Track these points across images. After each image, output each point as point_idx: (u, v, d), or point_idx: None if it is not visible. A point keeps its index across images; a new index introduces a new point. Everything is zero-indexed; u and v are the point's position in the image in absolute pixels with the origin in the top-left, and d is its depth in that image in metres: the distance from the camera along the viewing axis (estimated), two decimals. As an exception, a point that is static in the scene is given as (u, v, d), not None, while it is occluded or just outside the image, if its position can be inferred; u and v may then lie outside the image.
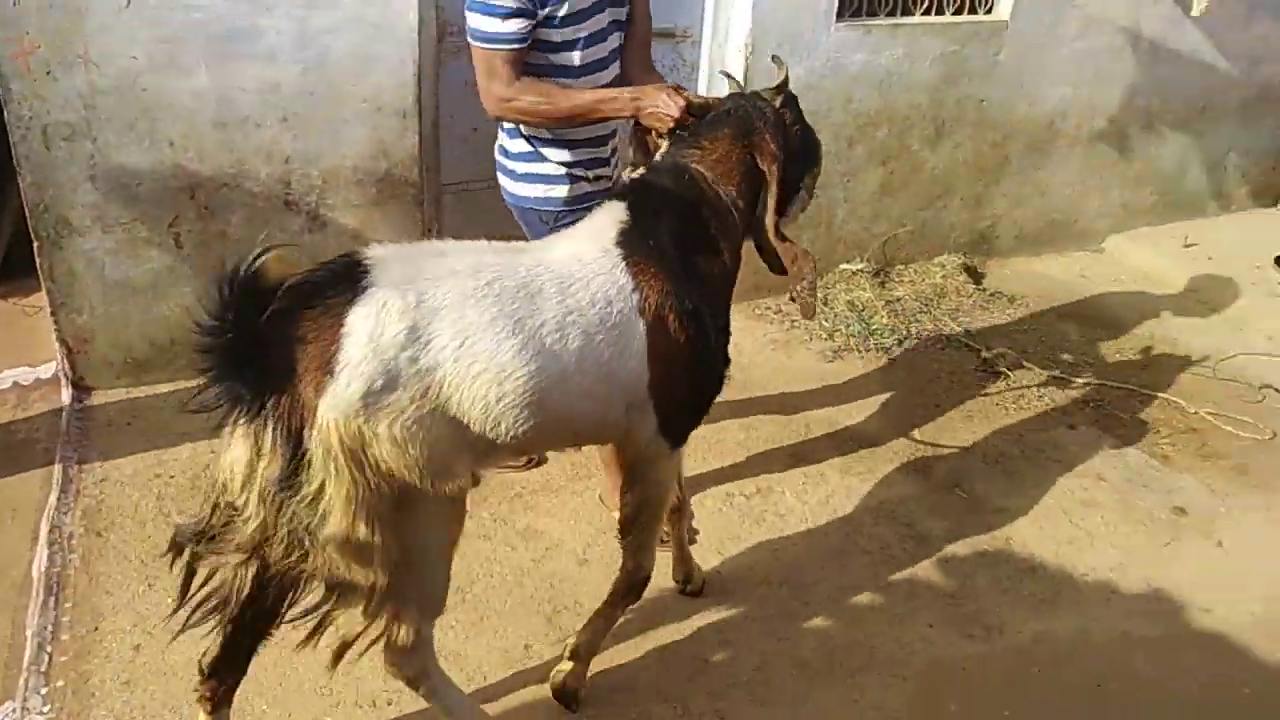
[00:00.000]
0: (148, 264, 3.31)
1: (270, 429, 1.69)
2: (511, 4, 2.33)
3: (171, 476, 3.03)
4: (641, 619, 2.66)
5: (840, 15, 4.13)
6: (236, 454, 1.73)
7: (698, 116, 2.33)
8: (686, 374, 2.15)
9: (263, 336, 1.67)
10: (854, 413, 3.68)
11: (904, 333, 4.23)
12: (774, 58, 2.57)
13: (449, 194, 3.83)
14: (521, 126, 2.59)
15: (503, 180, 2.73)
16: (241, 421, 1.71)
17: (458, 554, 2.77)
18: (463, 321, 1.80)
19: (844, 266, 4.58)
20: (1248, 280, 4.93)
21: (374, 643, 1.96)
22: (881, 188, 4.55)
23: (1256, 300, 4.75)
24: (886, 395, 3.81)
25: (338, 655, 1.96)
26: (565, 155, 2.60)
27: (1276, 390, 4.01)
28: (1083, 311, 4.61)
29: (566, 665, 2.39)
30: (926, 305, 4.46)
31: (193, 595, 1.94)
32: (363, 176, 3.47)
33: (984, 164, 4.78)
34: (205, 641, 2.45)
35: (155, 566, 2.68)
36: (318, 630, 1.94)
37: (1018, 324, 4.43)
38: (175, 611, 1.95)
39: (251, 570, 1.88)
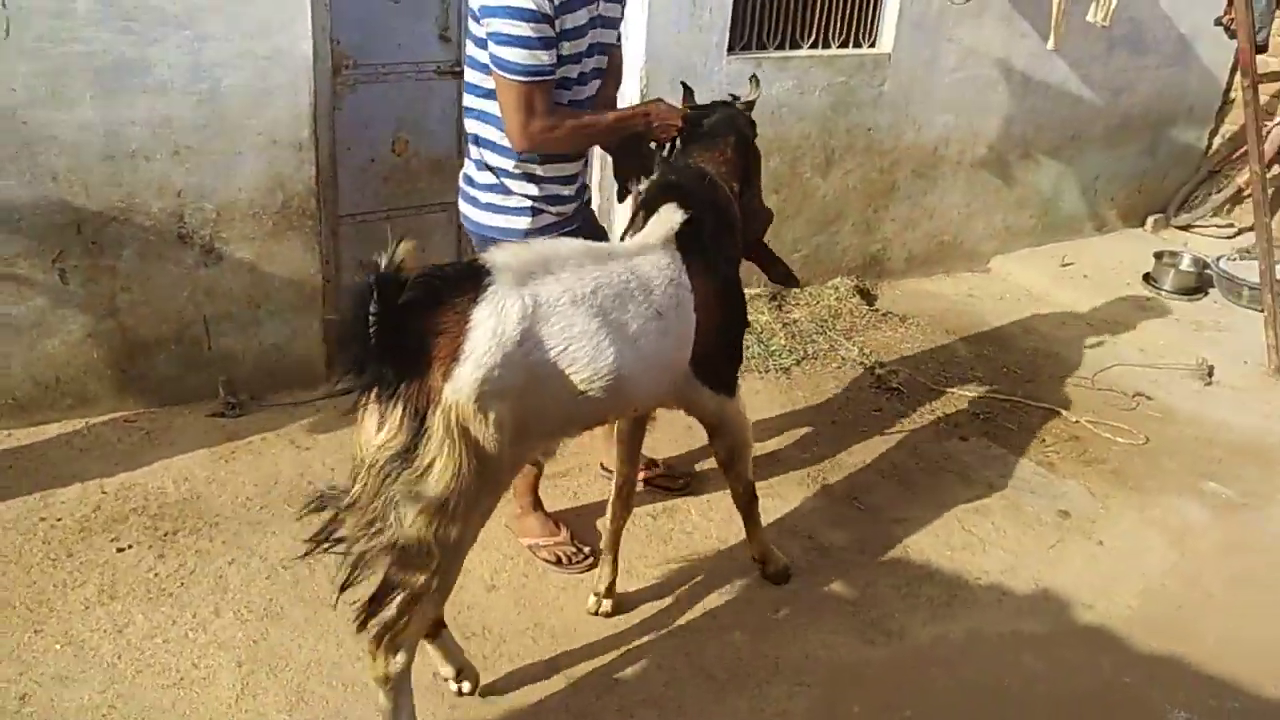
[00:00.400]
0: (30, 301, 3.20)
1: (400, 408, 1.88)
2: (545, 35, 2.35)
3: (59, 519, 2.92)
4: (550, 638, 2.68)
5: (732, 49, 4.28)
6: (368, 429, 1.93)
7: (691, 124, 2.65)
8: (725, 343, 2.58)
9: (401, 327, 1.84)
10: (756, 431, 3.73)
11: (801, 353, 4.36)
12: (752, 77, 2.93)
13: (346, 225, 3.81)
14: (487, 158, 2.60)
15: (465, 208, 2.74)
16: (375, 402, 1.90)
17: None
18: (571, 329, 2.07)
19: (743, 291, 4.69)
20: (1120, 296, 5.24)
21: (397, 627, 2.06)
22: (776, 214, 4.67)
23: (1129, 315, 5.04)
24: (786, 414, 3.91)
25: (379, 638, 2.06)
26: (532, 190, 2.61)
27: (1148, 398, 4.26)
28: (970, 329, 4.81)
29: (764, 567, 2.95)
30: (822, 326, 4.60)
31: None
32: (259, 210, 3.44)
33: (873, 190, 4.98)
34: (93, 679, 2.38)
35: (41, 612, 2.59)
36: (373, 608, 2.04)
37: (910, 342, 4.61)
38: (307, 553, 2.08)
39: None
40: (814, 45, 4.55)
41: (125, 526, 2.93)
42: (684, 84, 2.86)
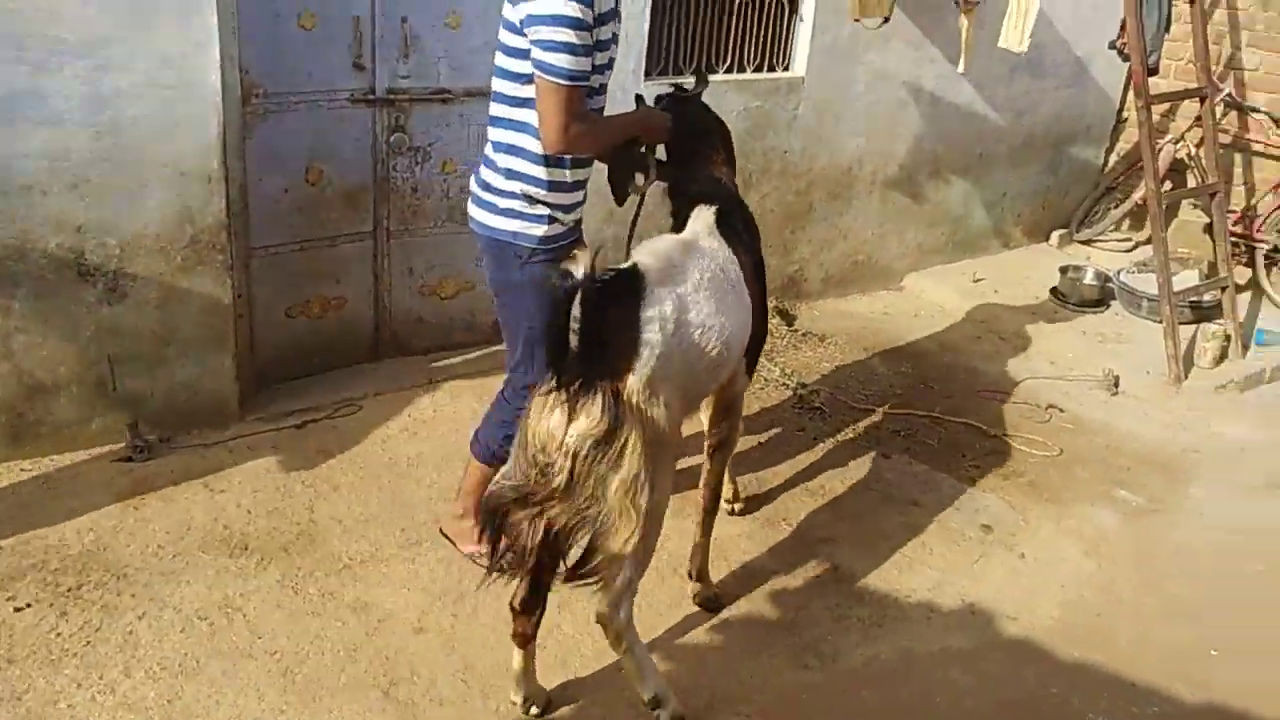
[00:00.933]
0: (-81, 346, 3.03)
1: (599, 399, 2.13)
2: (587, 43, 2.46)
3: (-46, 578, 2.77)
4: (481, 680, 2.62)
5: (649, 74, 4.29)
6: (555, 421, 2.16)
7: (676, 125, 2.88)
8: (762, 319, 2.91)
9: (597, 329, 2.07)
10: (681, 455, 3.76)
11: (726, 375, 4.37)
12: (697, 69, 3.26)
13: (259, 258, 3.70)
14: (520, 166, 2.64)
15: (480, 213, 2.75)
16: (566, 397, 2.12)
17: (284, 633, 2.69)
18: (701, 314, 2.44)
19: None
20: (1029, 310, 5.41)
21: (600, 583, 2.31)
22: (697, 237, 4.71)
23: (1038, 328, 5.21)
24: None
25: (605, 588, 2.34)
26: (554, 198, 2.68)
27: (1060, 410, 4.40)
28: (888, 346, 4.91)
29: (696, 586, 2.99)
30: (746, 347, 4.62)
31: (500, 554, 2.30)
32: (166, 244, 3.31)
33: (790, 212, 5.05)
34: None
35: (-62, 680, 2.44)
36: (580, 573, 2.28)
37: (830, 361, 4.67)
38: (490, 570, 2.33)
39: (543, 522, 2.23)
40: (729, 70, 4.60)
41: (23, 584, 2.77)
42: (638, 96, 3.07)
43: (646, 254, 2.50)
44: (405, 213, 4.05)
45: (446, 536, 3.09)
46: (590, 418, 2.13)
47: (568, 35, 2.42)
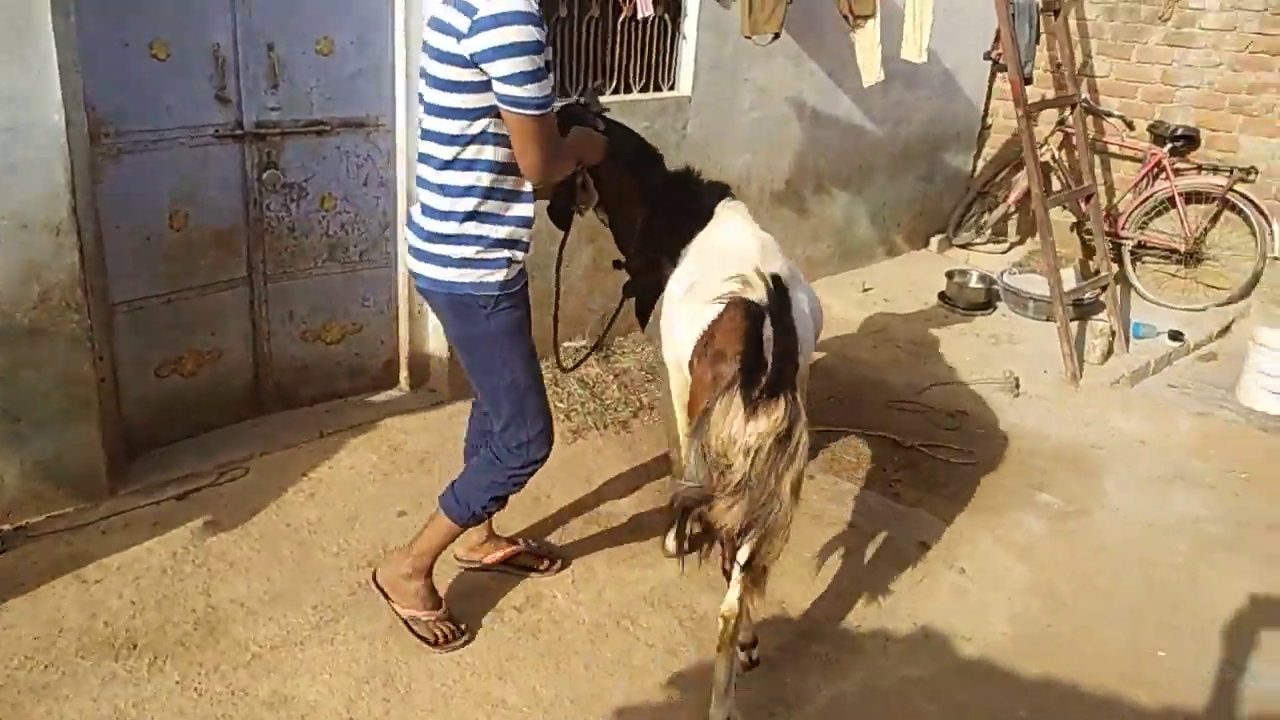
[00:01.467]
0: None
1: (782, 400, 2.24)
2: (546, 62, 2.32)
3: None
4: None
5: (535, 96, 4.09)
6: (734, 426, 2.25)
7: (611, 145, 2.85)
8: None
9: (783, 343, 2.23)
10: (606, 496, 3.57)
11: (637, 403, 4.22)
12: (595, 88, 3.31)
13: (121, 314, 3.31)
14: (485, 207, 2.43)
15: (430, 269, 2.49)
16: (750, 400, 2.22)
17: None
18: (802, 305, 2.64)
19: (567, 345, 4.50)
20: (921, 316, 5.46)
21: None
22: (593, 263, 4.54)
23: (932, 334, 5.26)
24: (632, 471, 3.75)
25: (755, 583, 2.50)
26: (522, 234, 2.52)
27: (968, 415, 4.42)
28: (793, 363, 4.84)
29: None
30: (652, 374, 4.47)
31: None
32: (10, 306, 2.90)
33: (684, 232, 4.93)
34: None
35: None
36: (753, 566, 2.44)
37: (739, 383, 4.56)
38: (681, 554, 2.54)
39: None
40: (615, 91, 4.46)
41: None
42: (597, 87, 3.15)
43: (766, 258, 2.61)
44: (283, 254, 3.72)
45: (381, 590, 2.77)
46: (775, 419, 2.23)
47: (535, 62, 2.26)
